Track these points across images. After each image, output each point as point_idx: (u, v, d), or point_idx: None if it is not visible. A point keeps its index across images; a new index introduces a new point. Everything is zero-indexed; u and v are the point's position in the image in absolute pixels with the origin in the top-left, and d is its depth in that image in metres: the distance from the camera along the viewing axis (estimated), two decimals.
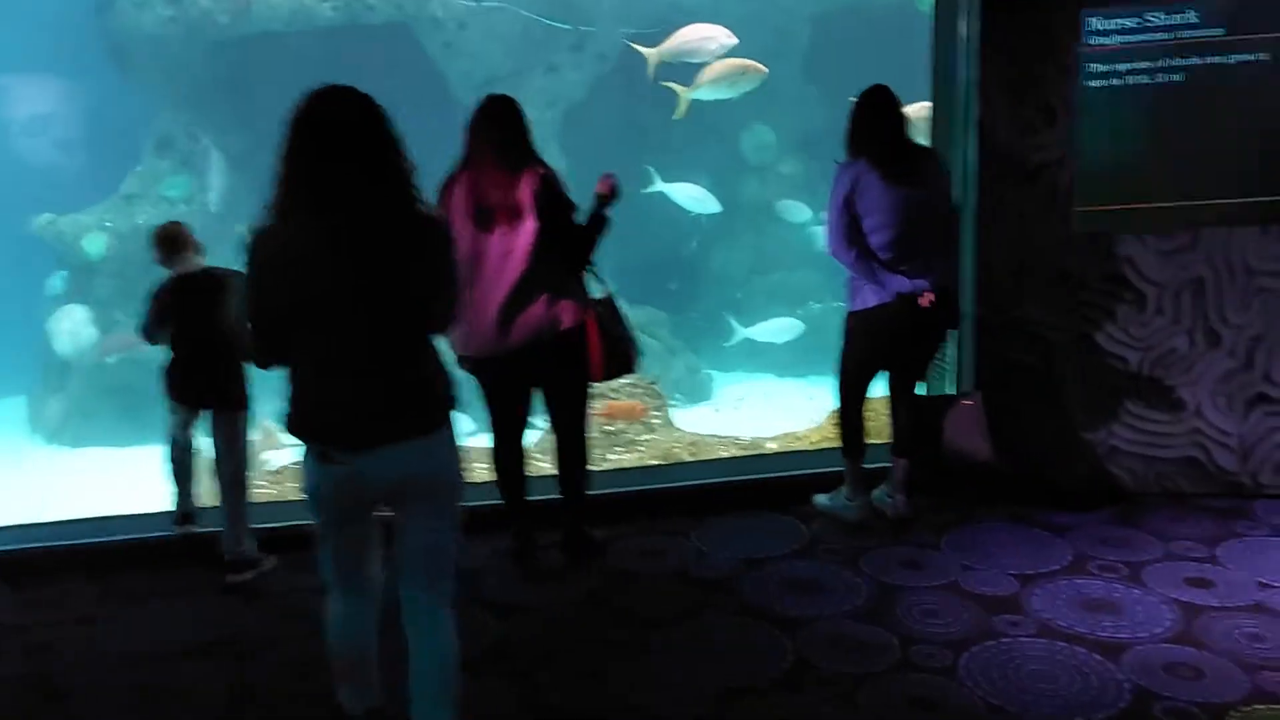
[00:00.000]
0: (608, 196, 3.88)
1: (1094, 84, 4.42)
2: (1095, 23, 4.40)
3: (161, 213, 7.73)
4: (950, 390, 4.79)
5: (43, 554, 4.38)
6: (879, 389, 4.47)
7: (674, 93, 7.88)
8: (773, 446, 6.31)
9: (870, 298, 4.19)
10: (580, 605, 3.92)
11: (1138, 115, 4.44)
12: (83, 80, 9.33)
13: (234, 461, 4.14)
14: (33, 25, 8.69)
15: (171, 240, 4.18)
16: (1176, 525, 4.34)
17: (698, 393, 8.92)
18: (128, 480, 6.48)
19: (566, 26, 8.84)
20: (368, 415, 2.59)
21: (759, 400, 8.83)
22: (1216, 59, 4.35)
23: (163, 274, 4.16)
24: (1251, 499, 4.54)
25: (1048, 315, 4.58)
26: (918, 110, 4.77)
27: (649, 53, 7.94)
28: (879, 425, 4.62)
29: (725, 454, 6.20)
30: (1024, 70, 4.46)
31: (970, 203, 4.59)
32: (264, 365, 2.73)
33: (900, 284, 4.12)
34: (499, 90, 3.92)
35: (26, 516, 4.85)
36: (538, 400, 4.06)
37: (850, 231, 4.13)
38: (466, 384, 4.01)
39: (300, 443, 2.67)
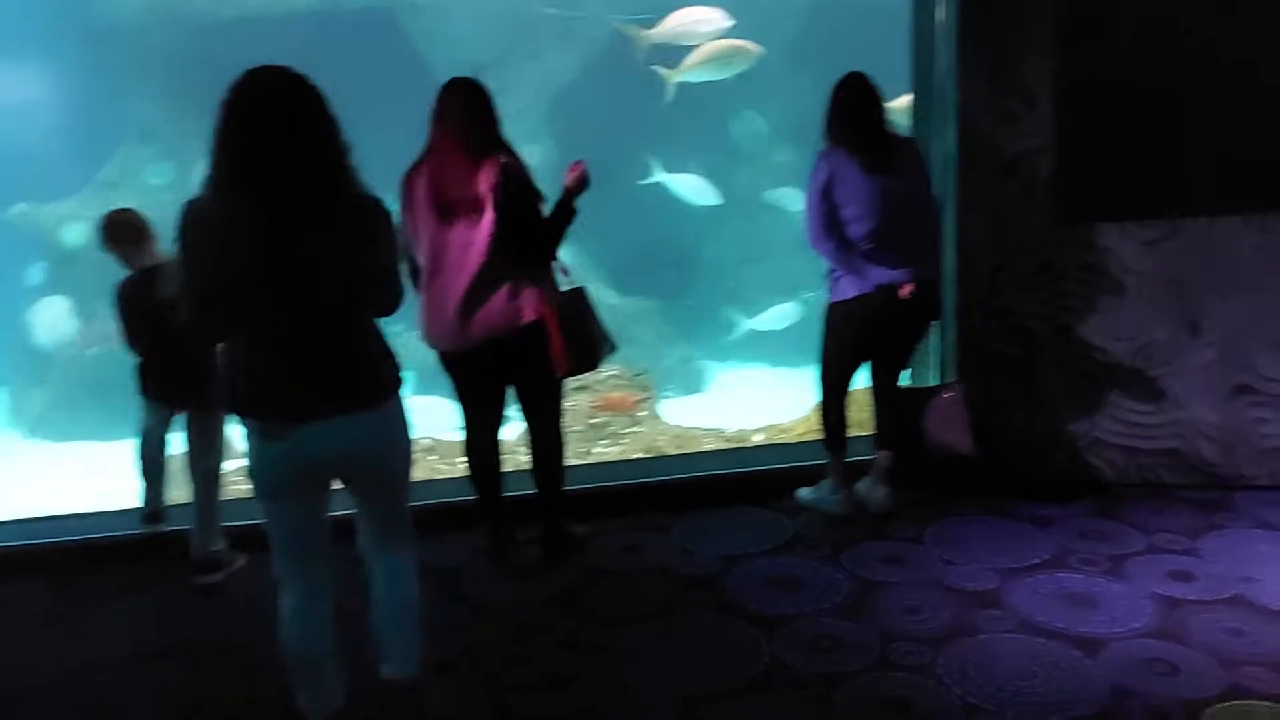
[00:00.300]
0: (574, 188, 3.80)
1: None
2: None
3: (143, 201, 7.61)
4: (933, 382, 4.76)
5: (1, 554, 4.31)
6: (862, 381, 4.44)
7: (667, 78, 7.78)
8: (759, 439, 6.28)
9: (850, 289, 4.15)
10: (553, 604, 3.87)
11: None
12: (58, 66, 9.21)
13: (208, 460, 4.08)
14: (8, 10, 8.56)
15: (129, 230, 3.97)
16: (1158, 517, 4.32)
17: (691, 383, 8.87)
18: (112, 475, 6.40)
19: (554, 11, 8.73)
20: (303, 389, 2.61)
21: (749, 390, 8.76)
22: None
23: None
24: (1232, 490, 4.52)
25: (1028, 305, 4.55)
26: (907, 103, 4.72)
27: (642, 35, 7.82)
28: (862, 418, 4.59)
29: (710, 447, 6.16)
30: (1002, 55, 4.40)
31: (950, 192, 4.53)
32: (201, 342, 2.80)
33: (880, 275, 4.08)
34: (485, 77, 3.80)
35: (11, 511, 4.79)
36: (511, 394, 4.01)
37: (828, 221, 4.08)
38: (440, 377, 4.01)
39: (243, 424, 2.70)
